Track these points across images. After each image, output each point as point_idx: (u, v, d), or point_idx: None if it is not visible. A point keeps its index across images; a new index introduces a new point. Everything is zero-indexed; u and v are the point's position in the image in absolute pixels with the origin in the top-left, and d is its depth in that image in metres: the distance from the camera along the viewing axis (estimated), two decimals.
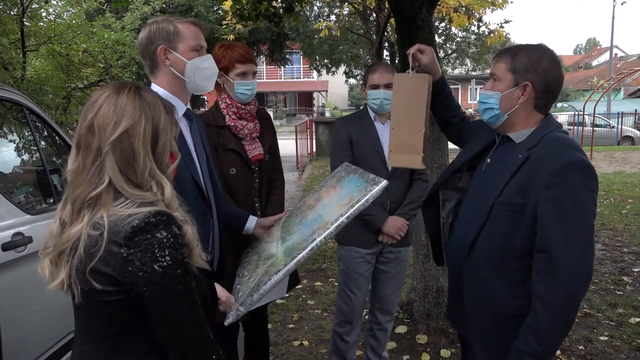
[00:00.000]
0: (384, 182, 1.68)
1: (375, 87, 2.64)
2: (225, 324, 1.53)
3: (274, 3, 4.50)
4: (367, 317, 3.05)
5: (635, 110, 22.68)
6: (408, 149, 1.85)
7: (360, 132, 2.69)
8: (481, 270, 1.67)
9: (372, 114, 2.73)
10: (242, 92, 2.34)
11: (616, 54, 39.78)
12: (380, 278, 2.85)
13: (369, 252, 2.75)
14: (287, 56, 19.50)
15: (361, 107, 2.91)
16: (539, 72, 1.63)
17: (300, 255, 1.54)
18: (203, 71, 1.79)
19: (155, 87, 1.78)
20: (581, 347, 3.39)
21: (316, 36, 14.31)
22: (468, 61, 20.87)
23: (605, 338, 3.53)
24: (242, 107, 2.40)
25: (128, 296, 1.10)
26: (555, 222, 1.49)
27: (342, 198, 1.76)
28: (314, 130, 15.69)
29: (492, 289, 1.65)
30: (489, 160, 1.78)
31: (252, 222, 2.22)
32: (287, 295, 2.65)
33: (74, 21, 7.19)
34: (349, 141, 2.70)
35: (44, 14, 7.03)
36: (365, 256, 2.74)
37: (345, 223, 1.59)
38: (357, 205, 1.62)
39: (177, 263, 1.10)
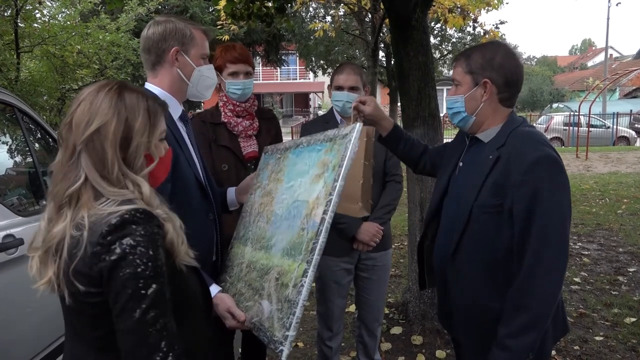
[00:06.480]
0: (359, 125, 1.56)
1: (339, 88, 2.53)
2: (283, 358, 1.36)
3: (267, 3, 4.47)
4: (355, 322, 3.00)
5: (631, 110, 22.79)
6: (347, 198, 1.86)
7: None
8: (468, 274, 1.66)
9: (338, 117, 2.61)
10: (232, 92, 2.44)
11: (611, 55, 39.97)
12: (362, 285, 2.76)
13: (345, 261, 2.65)
14: (283, 57, 19.47)
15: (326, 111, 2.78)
16: (495, 68, 1.64)
17: (320, 241, 1.40)
18: (206, 79, 1.82)
19: (150, 85, 1.75)
20: (576, 347, 3.39)
21: (312, 37, 14.28)
22: None
23: (601, 338, 3.53)
24: (238, 104, 2.47)
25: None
26: (530, 220, 1.49)
27: (309, 171, 1.63)
28: None
29: (481, 292, 1.64)
30: (461, 164, 1.79)
31: (231, 193, 2.07)
32: None
33: (68, 22, 7.17)
34: None
35: (38, 15, 7.00)
36: (342, 264, 2.65)
37: (343, 185, 1.46)
38: (345, 161, 1.47)
39: (148, 261, 1.06)
